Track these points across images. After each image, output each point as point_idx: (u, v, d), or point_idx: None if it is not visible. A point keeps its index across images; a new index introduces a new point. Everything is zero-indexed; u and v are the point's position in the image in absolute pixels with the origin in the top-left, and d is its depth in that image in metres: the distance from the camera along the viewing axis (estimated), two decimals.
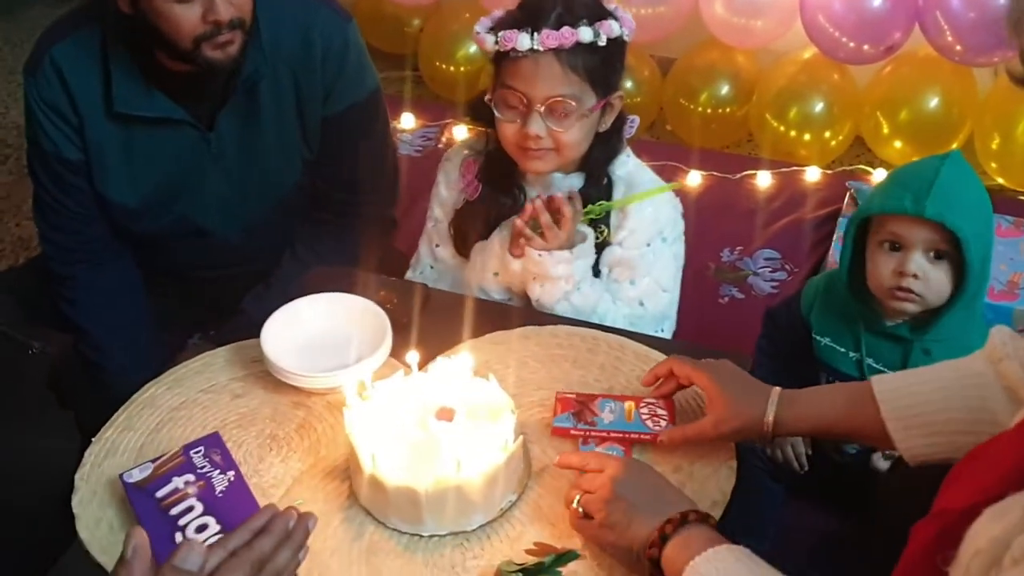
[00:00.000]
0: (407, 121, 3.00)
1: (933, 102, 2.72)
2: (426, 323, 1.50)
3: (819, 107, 2.81)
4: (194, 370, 1.45)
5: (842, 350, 1.58)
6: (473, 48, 3.11)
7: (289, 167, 1.85)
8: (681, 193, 2.02)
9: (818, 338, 1.61)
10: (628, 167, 1.67)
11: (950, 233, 1.39)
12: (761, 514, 1.70)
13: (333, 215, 1.92)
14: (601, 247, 1.65)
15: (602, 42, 1.49)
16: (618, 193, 1.65)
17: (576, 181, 1.64)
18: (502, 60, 1.52)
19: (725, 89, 2.94)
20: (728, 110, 2.94)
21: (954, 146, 2.74)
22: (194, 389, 1.42)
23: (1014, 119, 2.60)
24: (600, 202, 1.61)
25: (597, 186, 1.64)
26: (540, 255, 1.56)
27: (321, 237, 1.92)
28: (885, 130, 2.77)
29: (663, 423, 1.32)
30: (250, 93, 1.73)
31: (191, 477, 1.23)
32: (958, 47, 2.56)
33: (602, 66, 1.53)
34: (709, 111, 2.94)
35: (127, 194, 1.79)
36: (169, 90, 1.69)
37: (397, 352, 1.41)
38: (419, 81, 3.27)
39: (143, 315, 1.92)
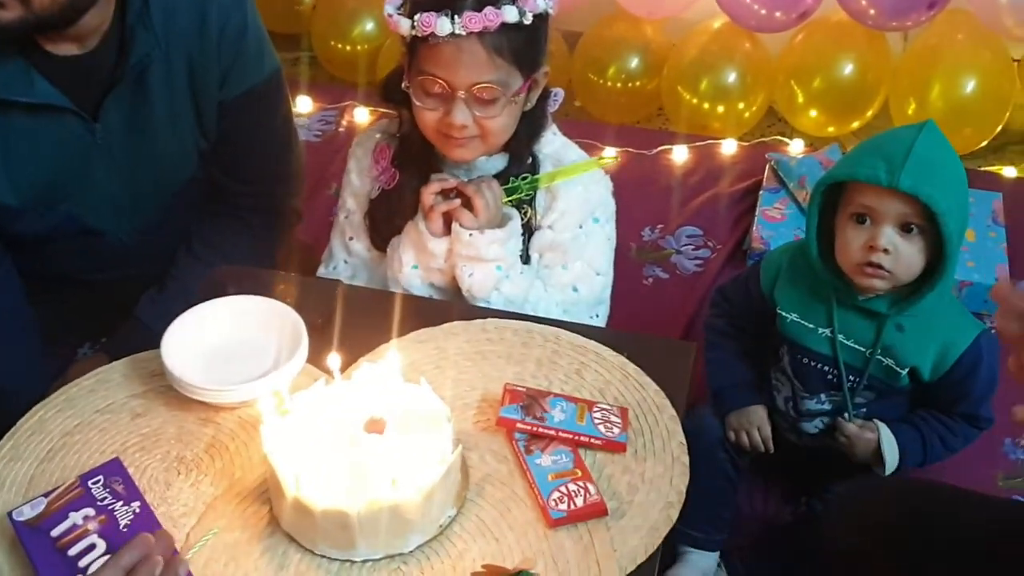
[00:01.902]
0: (304, 105, 2.85)
1: (847, 69, 2.67)
2: (345, 324, 1.38)
3: (731, 78, 2.74)
4: (87, 388, 1.31)
5: (811, 326, 1.52)
6: (370, 25, 2.97)
7: (184, 158, 1.71)
8: (611, 170, 1.95)
9: (784, 314, 1.54)
10: (555, 145, 1.58)
11: (924, 207, 1.33)
12: (719, 503, 1.64)
13: (233, 208, 1.78)
14: (529, 232, 1.55)
15: (528, 20, 1.38)
16: (547, 167, 1.56)
17: (499, 163, 1.53)
18: (419, 44, 1.40)
19: (635, 62, 2.85)
20: (639, 84, 2.86)
21: (869, 113, 2.72)
22: (89, 410, 1.27)
23: (928, 84, 2.58)
24: (526, 176, 1.52)
25: (522, 167, 1.54)
26: (471, 235, 1.46)
27: (221, 233, 1.78)
28: (799, 99, 2.72)
29: (616, 431, 1.23)
30: (139, 77, 1.57)
31: (90, 511, 1.11)
32: (872, 11, 2.52)
33: (527, 45, 1.42)
34: (619, 85, 2.85)
35: (5, 191, 1.61)
36: (51, 75, 1.52)
37: (315, 358, 1.28)
38: (314, 62, 3.11)
39: (26, 326, 1.75)
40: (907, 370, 1.48)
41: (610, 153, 2.67)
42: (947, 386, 1.49)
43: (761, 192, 2.42)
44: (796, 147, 2.71)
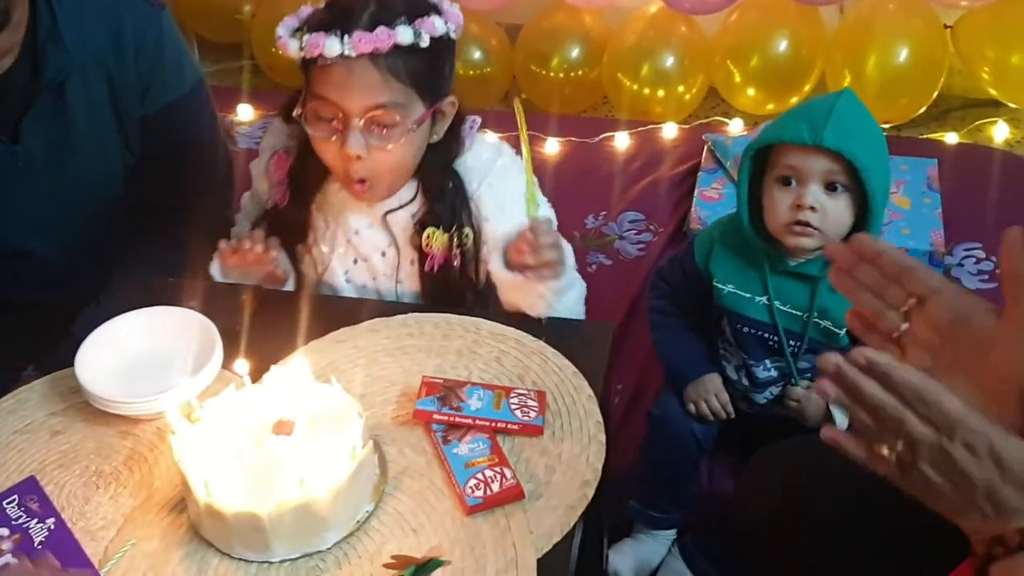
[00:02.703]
0: (245, 113, 2.85)
1: (782, 45, 2.70)
2: (263, 328, 1.38)
3: (670, 61, 2.76)
4: (6, 410, 1.31)
5: (748, 295, 1.54)
6: None
7: (110, 175, 1.71)
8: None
9: (720, 286, 1.56)
10: (481, 157, 1.52)
11: (848, 164, 1.37)
12: (676, 484, 1.66)
13: (163, 222, 1.77)
14: (470, 254, 1.51)
15: (424, 43, 1.32)
16: (475, 184, 1.50)
17: (406, 194, 1.49)
18: (311, 67, 1.34)
19: (576, 52, 2.87)
20: (581, 73, 2.88)
21: (807, 89, 2.74)
22: (7, 431, 1.27)
23: (863, 56, 2.60)
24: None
25: (436, 198, 1.48)
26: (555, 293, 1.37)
27: (153, 247, 1.77)
28: (737, 79, 2.75)
29: (532, 414, 1.23)
30: (56, 96, 1.57)
31: (4, 531, 1.11)
32: None
33: (428, 69, 1.36)
34: (562, 75, 2.87)
35: None
36: None
37: (231, 364, 1.29)
38: (257, 70, 3.11)
39: None
40: (845, 330, 1.49)
41: (552, 144, 2.67)
42: None
43: (699, 173, 2.44)
44: (735, 127, 2.73)
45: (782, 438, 1.60)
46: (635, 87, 2.78)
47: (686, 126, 2.76)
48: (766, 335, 1.55)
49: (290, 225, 1.52)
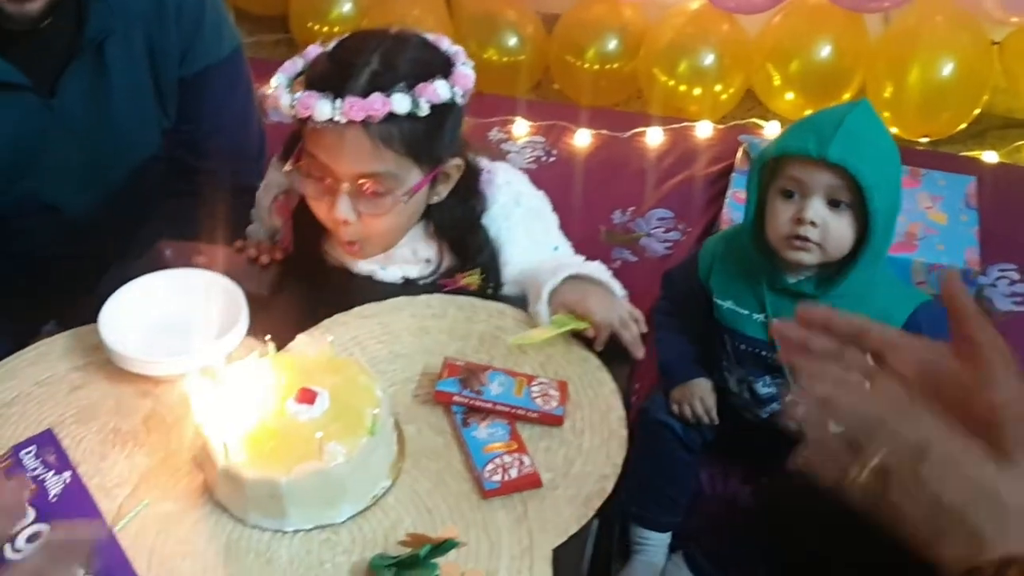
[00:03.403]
0: None
1: (824, 51, 2.67)
2: (288, 298, 1.38)
3: (709, 60, 2.75)
4: (28, 361, 1.31)
5: (746, 312, 1.52)
6: (347, 7, 2.97)
7: (145, 135, 1.71)
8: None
9: (719, 302, 1.54)
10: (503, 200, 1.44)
11: (852, 181, 1.33)
12: (674, 486, 1.64)
13: (195, 186, 1.77)
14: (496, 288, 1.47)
15: (423, 111, 1.23)
16: (493, 230, 1.44)
17: (419, 234, 1.41)
18: (306, 123, 1.25)
19: (612, 44, 2.85)
20: (616, 66, 2.86)
21: (846, 96, 2.71)
22: (28, 382, 1.27)
23: (906, 66, 2.58)
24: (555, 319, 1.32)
25: (468, 257, 1.42)
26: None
27: (183, 211, 1.77)
28: (776, 82, 2.72)
29: (553, 404, 1.22)
30: (96, 53, 1.57)
31: None
32: None
33: (426, 137, 1.27)
34: (597, 67, 2.85)
35: None
36: (5, 51, 1.52)
37: (256, 331, 1.28)
38: (292, 44, 3.10)
39: None
40: None
41: (583, 135, 2.66)
42: None
43: (733, 175, 2.42)
44: (772, 130, 2.70)
45: (787, 450, 1.60)
46: (671, 83, 2.76)
47: (721, 126, 2.74)
48: (763, 352, 1.53)
49: (303, 271, 1.46)
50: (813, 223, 1.38)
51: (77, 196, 1.71)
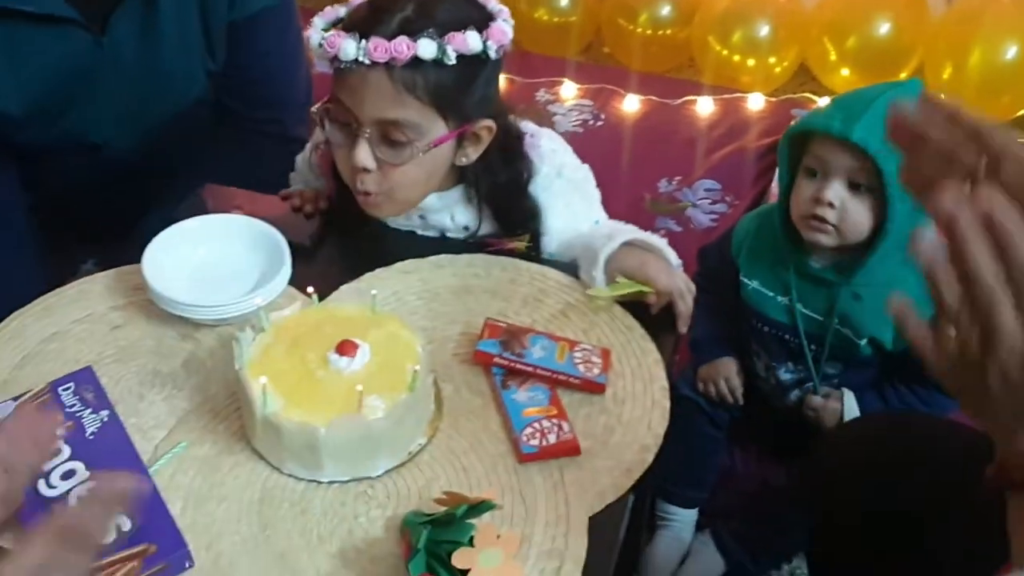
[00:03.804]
0: None
1: (883, 28, 2.61)
2: (331, 249, 1.37)
3: (764, 31, 2.69)
4: (68, 298, 1.30)
5: (771, 294, 1.49)
6: None
7: (192, 78, 1.69)
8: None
9: (746, 281, 1.52)
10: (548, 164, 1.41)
11: (873, 164, 1.29)
12: (702, 463, 1.63)
13: (239, 131, 1.77)
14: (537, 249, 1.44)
15: (450, 60, 1.20)
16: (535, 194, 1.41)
17: (457, 199, 1.40)
18: (334, 67, 1.24)
19: (666, 10, 2.80)
20: (669, 32, 2.81)
21: (903, 75, 2.65)
22: (67, 319, 1.27)
23: (967, 48, 2.51)
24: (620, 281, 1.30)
25: (517, 224, 1.40)
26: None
27: (226, 156, 1.77)
28: (832, 56, 2.66)
29: (596, 371, 1.20)
30: None
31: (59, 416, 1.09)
32: None
33: (453, 89, 1.23)
34: (649, 32, 2.80)
35: (10, 100, 1.61)
36: None
37: (298, 281, 1.26)
38: None
39: (27, 238, 1.75)
40: (866, 340, 1.44)
41: (632, 101, 2.62)
42: (914, 356, 1.44)
43: None
44: (824, 104, 2.64)
45: (809, 436, 1.58)
46: (724, 52, 2.71)
47: (774, 99, 2.68)
48: (786, 336, 1.51)
49: (345, 221, 1.43)
50: (831, 204, 1.34)
51: (121, 136, 1.71)
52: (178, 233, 1.30)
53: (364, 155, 1.25)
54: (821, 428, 1.51)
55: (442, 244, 1.43)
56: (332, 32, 1.21)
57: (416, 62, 1.19)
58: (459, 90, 1.24)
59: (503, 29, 1.24)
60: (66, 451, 1.06)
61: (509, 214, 1.40)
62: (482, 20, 1.25)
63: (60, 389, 1.13)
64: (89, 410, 1.11)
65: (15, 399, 1.11)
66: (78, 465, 1.04)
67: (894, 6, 2.61)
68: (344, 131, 1.27)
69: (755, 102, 2.65)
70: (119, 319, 1.27)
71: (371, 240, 1.41)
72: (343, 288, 1.28)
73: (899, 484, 1.16)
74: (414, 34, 1.18)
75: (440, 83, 1.21)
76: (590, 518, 1.06)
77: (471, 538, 0.95)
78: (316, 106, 1.30)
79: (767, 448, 1.71)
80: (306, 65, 1.86)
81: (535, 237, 1.42)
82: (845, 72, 2.66)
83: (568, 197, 1.43)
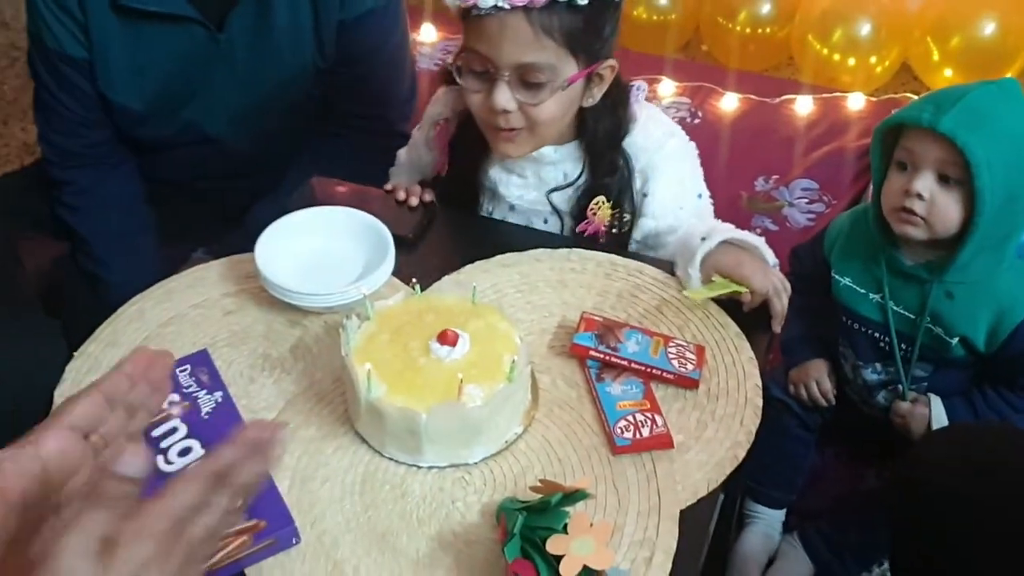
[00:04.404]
0: (427, 33, 2.87)
1: (988, 29, 2.55)
2: (432, 241, 1.41)
3: (865, 30, 2.65)
4: (185, 284, 1.37)
5: (863, 291, 1.49)
6: None
7: (302, 75, 1.75)
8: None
9: (838, 278, 1.52)
10: (635, 126, 1.47)
11: (962, 156, 1.28)
12: (791, 465, 1.63)
13: (346, 128, 1.83)
14: (622, 236, 1.49)
15: (582, 1, 1.27)
16: (641, 161, 1.46)
17: (572, 156, 1.46)
18: (467, 17, 1.31)
19: (766, 8, 2.79)
20: (768, 31, 2.79)
21: (1008, 76, 2.58)
22: (184, 304, 1.33)
23: None
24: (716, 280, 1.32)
25: (604, 171, 1.45)
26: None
27: (332, 150, 1.83)
28: (935, 57, 2.62)
29: (690, 367, 1.22)
30: None
31: (176, 397, 1.15)
32: None
33: (585, 30, 1.30)
34: (748, 31, 2.79)
35: (132, 96, 1.70)
36: None
37: (401, 272, 1.31)
38: None
39: (145, 225, 1.84)
40: (957, 339, 1.42)
41: (730, 99, 2.61)
42: (1008, 359, 1.42)
43: None
44: None
45: (898, 438, 1.56)
46: (825, 52, 2.69)
47: (874, 99, 2.64)
48: (877, 334, 1.49)
49: (456, 194, 1.51)
50: (920, 196, 1.34)
51: (235, 129, 1.78)
52: (288, 224, 1.35)
53: (505, 98, 1.32)
54: (909, 434, 1.49)
55: (540, 237, 1.46)
56: None
57: (551, 5, 1.26)
58: (589, 31, 1.31)
59: None
60: (183, 429, 1.12)
61: (601, 163, 1.45)
62: None
63: (178, 370, 1.19)
64: (204, 391, 1.17)
65: None
66: (194, 443, 1.10)
67: (1000, 6, 2.55)
68: (481, 78, 1.34)
69: (855, 102, 2.61)
70: (232, 305, 1.33)
71: (471, 233, 1.45)
72: (444, 279, 1.32)
73: (987, 495, 1.16)
74: None
75: (573, 24, 1.28)
76: (681, 511, 1.08)
77: (565, 525, 0.98)
78: (449, 60, 1.37)
79: (857, 449, 1.70)
80: (411, 62, 1.91)
81: (620, 203, 1.46)
82: (948, 72, 2.61)
83: (678, 162, 1.48)
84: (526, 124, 1.36)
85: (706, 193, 1.53)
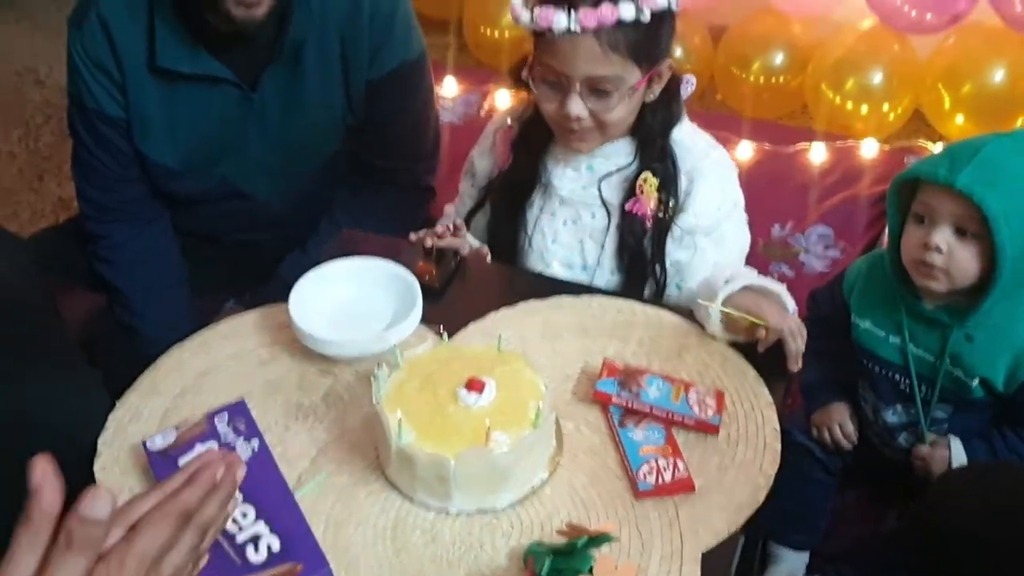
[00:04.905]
0: (449, 88, 2.94)
1: (998, 76, 2.60)
2: (458, 290, 1.46)
3: (877, 78, 2.70)
4: (221, 334, 1.42)
5: (882, 334, 1.51)
6: None
7: (332, 132, 1.82)
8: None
9: (857, 321, 1.54)
10: (683, 130, 1.59)
11: (980, 211, 1.31)
12: (813, 509, 1.65)
13: (374, 181, 1.88)
14: (665, 223, 1.57)
15: (645, 18, 1.40)
16: (687, 164, 1.56)
17: (625, 148, 1.57)
18: (540, 36, 1.45)
19: (779, 58, 2.84)
20: (782, 80, 2.84)
21: (1019, 123, 2.63)
22: (221, 354, 1.38)
23: None
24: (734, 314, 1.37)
25: (653, 158, 1.55)
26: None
27: (361, 203, 1.88)
28: (947, 104, 2.66)
29: (710, 412, 1.26)
30: (295, 55, 1.69)
31: (214, 445, 1.20)
32: None
33: (646, 41, 1.44)
34: (762, 80, 2.84)
35: (168, 153, 1.77)
36: (213, 48, 1.66)
37: (427, 320, 1.36)
38: (463, 47, 3.20)
39: (179, 278, 1.90)
40: (977, 381, 1.45)
41: (746, 148, 2.66)
42: None
43: None
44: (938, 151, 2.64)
45: (919, 479, 1.58)
46: (838, 100, 2.73)
47: (887, 146, 2.69)
48: (897, 376, 1.52)
49: (516, 183, 1.62)
50: (939, 249, 1.37)
51: (267, 185, 1.84)
52: (320, 275, 1.41)
53: (578, 107, 1.45)
54: (930, 477, 1.51)
55: (562, 285, 1.51)
56: (541, 8, 1.40)
57: (618, 24, 1.39)
58: (650, 41, 1.44)
59: None
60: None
61: (651, 148, 1.55)
62: None
63: (216, 419, 1.23)
64: (242, 439, 1.21)
65: (176, 427, 1.22)
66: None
67: (1009, 54, 2.59)
68: (554, 87, 1.47)
69: (869, 149, 2.65)
70: (266, 355, 1.38)
71: (496, 281, 1.50)
72: (471, 327, 1.37)
73: (1005, 537, 1.18)
74: (614, 0, 1.37)
75: (636, 38, 1.42)
76: (703, 554, 1.12)
77: (591, 568, 1.02)
78: (523, 71, 1.50)
79: (878, 490, 1.71)
80: (436, 116, 1.97)
81: (668, 189, 1.55)
82: (960, 119, 2.65)
83: (721, 170, 1.59)
84: (596, 125, 1.49)
85: (742, 203, 1.63)
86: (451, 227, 1.52)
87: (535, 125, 1.58)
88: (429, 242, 1.52)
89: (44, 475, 0.71)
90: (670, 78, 1.54)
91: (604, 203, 1.58)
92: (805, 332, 1.35)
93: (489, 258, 1.59)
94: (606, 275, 1.59)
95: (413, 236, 1.56)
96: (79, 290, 1.86)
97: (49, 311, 1.51)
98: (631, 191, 1.56)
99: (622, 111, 1.48)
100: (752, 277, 1.41)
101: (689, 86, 1.59)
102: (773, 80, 2.85)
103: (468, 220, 1.68)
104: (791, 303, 1.40)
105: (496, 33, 3.09)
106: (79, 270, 1.86)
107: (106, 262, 1.85)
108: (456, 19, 3.20)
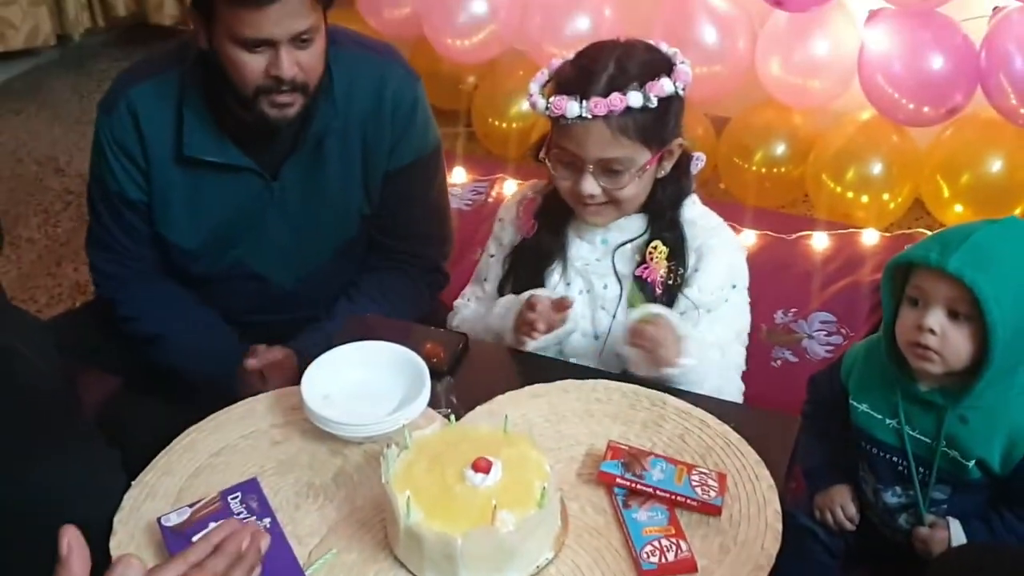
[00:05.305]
0: (458, 176, 3.02)
1: (996, 166, 2.66)
2: (465, 373, 1.50)
3: (877, 168, 2.77)
4: (235, 416, 1.45)
5: (879, 417, 1.54)
6: (526, 106, 3.11)
7: (347, 220, 1.88)
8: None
9: (855, 404, 1.57)
10: (695, 211, 1.67)
11: (971, 293, 1.35)
12: None
13: (388, 264, 1.93)
14: (676, 289, 1.63)
15: (652, 104, 1.49)
16: (697, 241, 1.64)
17: (638, 223, 1.64)
18: (555, 121, 1.55)
19: (781, 149, 2.91)
20: (783, 170, 2.91)
21: (1017, 212, 2.68)
22: (234, 435, 1.42)
23: None
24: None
25: (663, 228, 1.63)
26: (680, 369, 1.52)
27: (376, 286, 1.92)
28: (946, 193, 2.72)
29: (712, 494, 1.28)
30: (317, 145, 1.76)
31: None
32: (1023, 110, 2.51)
33: (655, 124, 1.53)
34: (764, 170, 2.91)
35: (186, 236, 1.82)
36: (238, 138, 1.73)
37: (436, 403, 1.39)
38: (472, 137, 3.30)
39: (206, 313, 1.90)
40: (974, 462, 1.46)
41: (749, 236, 2.71)
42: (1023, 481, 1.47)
43: None
44: None
45: (918, 562, 1.58)
46: (838, 189, 2.79)
47: (888, 234, 2.75)
48: (895, 459, 1.54)
49: (538, 252, 1.69)
50: (932, 331, 1.40)
51: (282, 269, 1.89)
52: (331, 358, 1.45)
53: (591, 186, 1.55)
54: (930, 558, 1.52)
55: (567, 368, 1.55)
56: (556, 97, 1.51)
57: (627, 110, 1.48)
58: (659, 124, 1.54)
59: (686, 71, 1.55)
60: None
61: (661, 219, 1.63)
62: (666, 64, 1.55)
63: (229, 498, 1.26)
64: (254, 517, 1.24)
65: (191, 506, 1.25)
66: None
67: (1006, 145, 2.66)
68: (569, 167, 1.57)
69: (869, 237, 2.71)
70: (279, 435, 1.42)
71: (502, 364, 1.54)
72: (478, 409, 1.40)
73: None
74: (622, 88, 1.49)
75: (646, 123, 1.52)
76: None
77: None
78: (541, 152, 1.60)
79: (880, 571, 1.72)
80: (448, 204, 2.03)
81: (676, 258, 1.62)
82: (959, 208, 2.71)
83: (731, 250, 1.69)
84: (609, 201, 1.58)
85: (745, 284, 1.69)
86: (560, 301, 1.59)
87: (555, 199, 1.66)
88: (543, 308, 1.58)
89: (72, 545, 0.75)
90: (681, 154, 1.62)
91: (616, 274, 1.64)
92: (673, 366, 1.49)
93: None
94: (618, 344, 1.61)
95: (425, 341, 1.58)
96: (96, 372, 1.89)
97: (70, 393, 1.55)
98: (642, 260, 1.63)
99: (634, 189, 1.56)
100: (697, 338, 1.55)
101: (699, 162, 1.67)
102: (775, 170, 2.91)
103: (501, 288, 1.74)
104: (691, 354, 1.52)
105: (504, 124, 3.19)
106: (97, 353, 1.90)
107: (132, 320, 1.86)
108: (466, 110, 3.30)
